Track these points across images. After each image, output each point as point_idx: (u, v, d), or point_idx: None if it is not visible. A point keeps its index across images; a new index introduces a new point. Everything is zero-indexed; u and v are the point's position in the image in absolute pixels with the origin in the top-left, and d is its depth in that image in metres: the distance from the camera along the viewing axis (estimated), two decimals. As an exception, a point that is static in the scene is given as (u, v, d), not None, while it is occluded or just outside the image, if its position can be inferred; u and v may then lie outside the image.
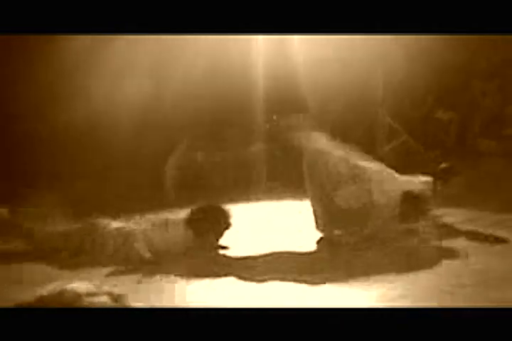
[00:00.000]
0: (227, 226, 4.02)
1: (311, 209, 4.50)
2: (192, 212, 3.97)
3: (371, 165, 4.39)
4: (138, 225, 3.99)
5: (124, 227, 3.97)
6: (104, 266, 3.74)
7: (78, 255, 3.88)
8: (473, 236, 4.37)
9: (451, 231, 4.52)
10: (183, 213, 4.11)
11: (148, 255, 3.77)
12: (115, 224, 4.01)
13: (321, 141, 4.48)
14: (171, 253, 3.86)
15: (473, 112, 7.69)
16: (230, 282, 3.46)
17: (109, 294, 2.74)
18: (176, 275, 3.54)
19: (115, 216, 4.17)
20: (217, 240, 4.01)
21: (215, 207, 4.03)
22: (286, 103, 6.50)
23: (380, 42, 6.81)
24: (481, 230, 4.49)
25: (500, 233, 4.39)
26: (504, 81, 7.67)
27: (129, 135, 6.62)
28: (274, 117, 5.31)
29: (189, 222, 3.93)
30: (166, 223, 3.99)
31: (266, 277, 3.52)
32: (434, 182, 4.70)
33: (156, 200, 5.59)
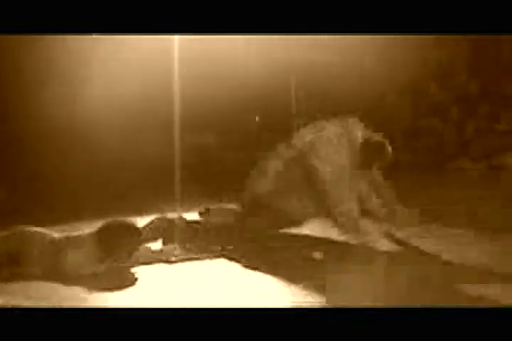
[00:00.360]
0: (139, 241, 3.89)
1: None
2: (100, 228, 3.83)
3: None
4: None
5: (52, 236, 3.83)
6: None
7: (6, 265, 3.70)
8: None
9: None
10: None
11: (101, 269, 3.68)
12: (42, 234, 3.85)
13: None
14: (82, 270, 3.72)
15: (388, 124, 7.85)
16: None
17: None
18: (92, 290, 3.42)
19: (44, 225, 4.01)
20: (129, 256, 3.88)
21: (124, 221, 3.88)
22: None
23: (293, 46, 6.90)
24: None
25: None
26: (418, 94, 7.89)
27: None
28: (257, 119, 5.22)
29: (98, 237, 3.79)
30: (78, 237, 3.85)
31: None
32: None
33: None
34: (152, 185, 6.36)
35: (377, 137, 4.39)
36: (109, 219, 3.85)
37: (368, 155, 4.33)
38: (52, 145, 6.52)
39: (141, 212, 5.07)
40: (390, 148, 4.35)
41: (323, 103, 7.64)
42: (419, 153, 7.65)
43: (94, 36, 5.80)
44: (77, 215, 5.24)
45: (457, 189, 6.35)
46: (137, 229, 3.82)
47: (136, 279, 3.55)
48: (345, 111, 7.48)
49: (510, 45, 7.56)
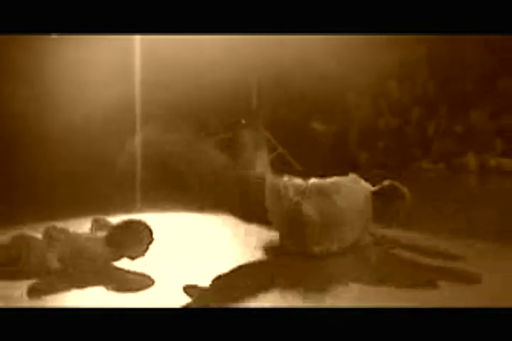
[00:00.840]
0: (150, 241, 3.83)
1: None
2: (112, 227, 3.78)
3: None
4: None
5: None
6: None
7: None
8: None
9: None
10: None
11: (55, 266, 3.60)
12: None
13: None
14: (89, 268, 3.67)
15: (348, 124, 7.91)
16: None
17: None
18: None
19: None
20: (139, 256, 3.83)
21: (136, 221, 3.82)
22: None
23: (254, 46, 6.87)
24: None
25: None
26: (378, 93, 7.97)
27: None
28: (243, 121, 5.14)
29: (109, 237, 3.74)
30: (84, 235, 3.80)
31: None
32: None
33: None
34: (114, 183, 6.32)
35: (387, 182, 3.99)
36: (120, 220, 3.78)
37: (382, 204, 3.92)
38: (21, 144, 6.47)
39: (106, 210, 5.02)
40: (406, 190, 3.93)
41: (283, 100, 7.70)
42: (378, 153, 7.70)
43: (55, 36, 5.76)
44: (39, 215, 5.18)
45: (417, 190, 6.42)
46: (148, 227, 3.77)
47: (153, 281, 3.48)
48: (306, 110, 7.59)
49: (470, 45, 7.69)
